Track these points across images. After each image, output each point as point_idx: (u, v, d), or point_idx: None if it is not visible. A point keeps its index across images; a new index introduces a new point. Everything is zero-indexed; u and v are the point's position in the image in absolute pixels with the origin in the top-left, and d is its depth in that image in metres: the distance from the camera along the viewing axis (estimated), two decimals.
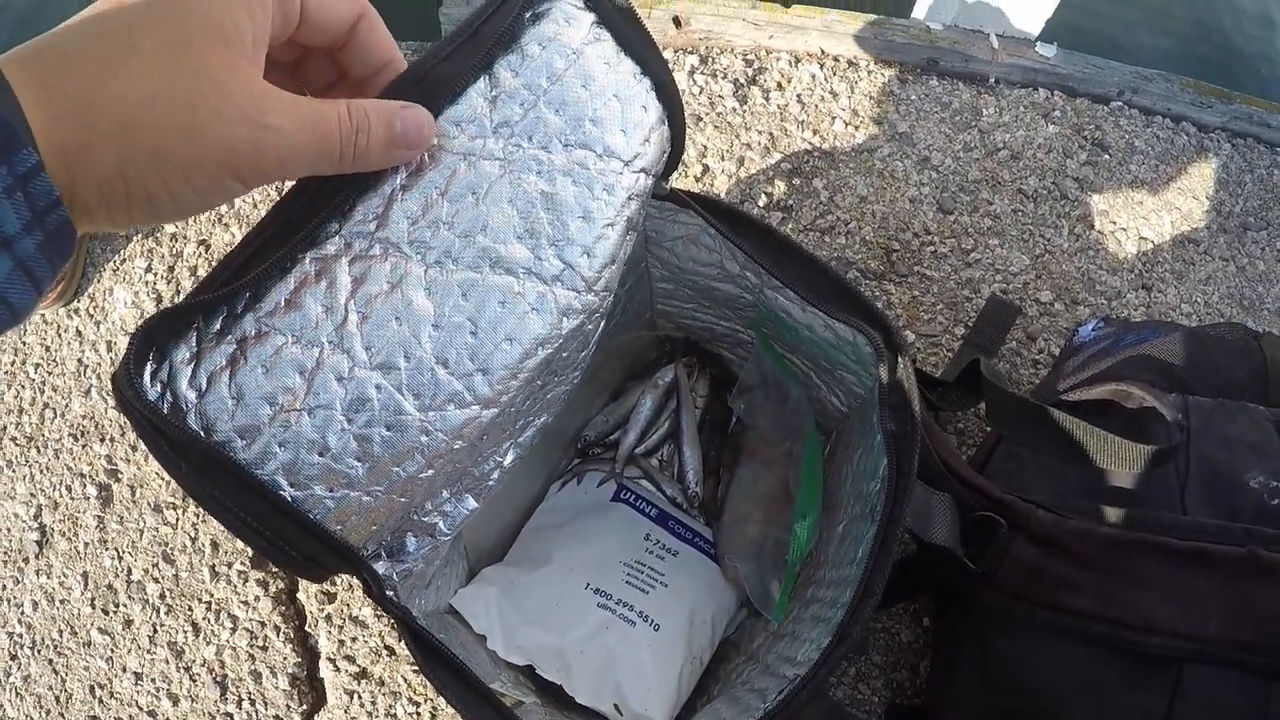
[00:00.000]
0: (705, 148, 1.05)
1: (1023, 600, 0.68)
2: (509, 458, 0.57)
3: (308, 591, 0.89)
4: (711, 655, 0.77)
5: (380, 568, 0.49)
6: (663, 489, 0.87)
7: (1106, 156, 1.15)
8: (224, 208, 1.08)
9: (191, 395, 0.39)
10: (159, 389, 0.38)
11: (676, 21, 1.12)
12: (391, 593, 0.50)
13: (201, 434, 0.39)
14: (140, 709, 0.88)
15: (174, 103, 0.32)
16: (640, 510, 0.84)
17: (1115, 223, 1.11)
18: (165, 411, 0.38)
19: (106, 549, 0.94)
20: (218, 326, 0.40)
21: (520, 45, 0.45)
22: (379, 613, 0.87)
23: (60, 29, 0.33)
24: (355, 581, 0.80)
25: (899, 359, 0.59)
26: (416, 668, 0.80)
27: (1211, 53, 1.83)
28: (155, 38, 0.33)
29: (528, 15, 0.46)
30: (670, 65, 1.10)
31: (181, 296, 0.98)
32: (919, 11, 1.24)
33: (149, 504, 0.95)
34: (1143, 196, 1.15)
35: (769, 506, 0.80)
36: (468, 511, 0.56)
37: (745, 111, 1.08)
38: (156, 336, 0.38)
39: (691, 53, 1.13)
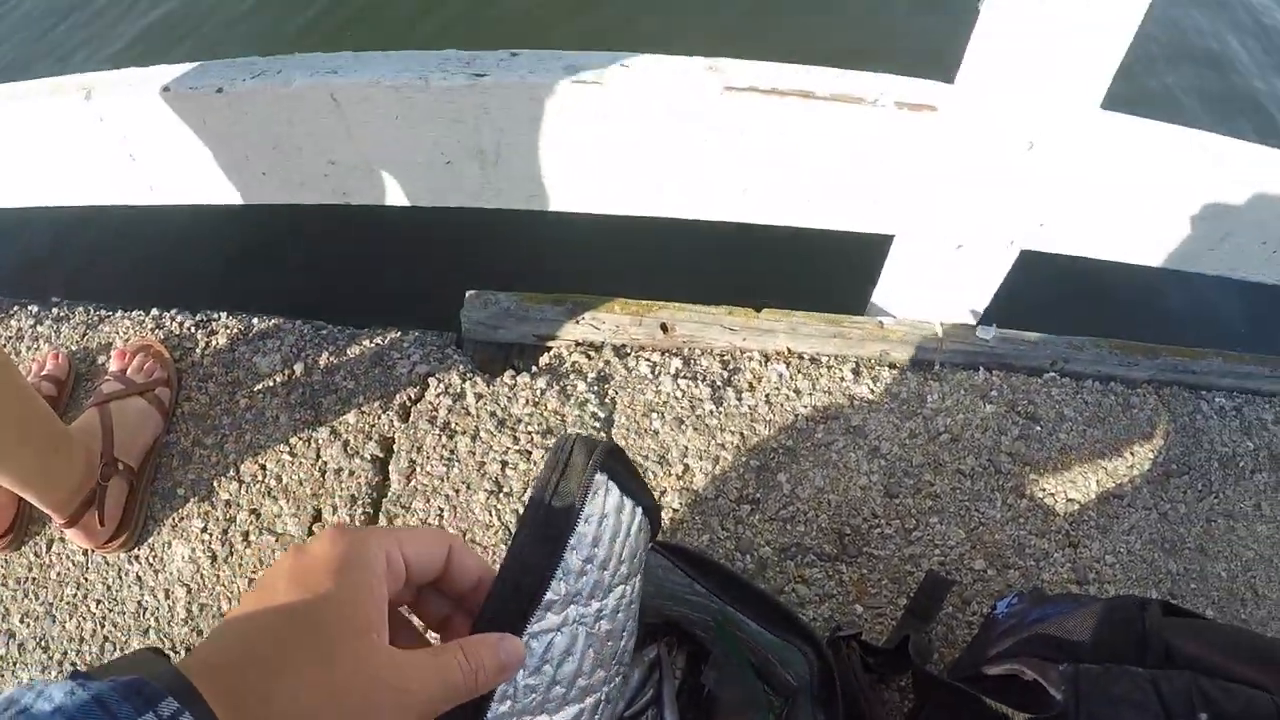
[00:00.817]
0: (686, 449, 1.26)
1: None
2: None
3: None
4: None
5: None
6: None
7: (1038, 428, 1.34)
8: (271, 480, 1.29)
9: None
10: None
11: (664, 327, 1.33)
12: None
13: None
14: None
15: (334, 700, 0.38)
16: None
17: (1045, 489, 1.30)
18: None
19: None
20: None
21: (578, 526, 0.59)
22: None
23: (219, 642, 0.39)
24: None
25: (826, 667, 0.77)
26: None
27: (1146, 312, 2.03)
28: (308, 644, 0.39)
29: (577, 503, 0.59)
30: (658, 367, 1.33)
31: (233, 556, 1.17)
32: (872, 306, 1.44)
33: None
34: (1070, 461, 1.33)
35: None
36: None
37: (721, 414, 1.29)
38: None
39: (676, 355, 1.35)
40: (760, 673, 1.02)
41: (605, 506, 0.65)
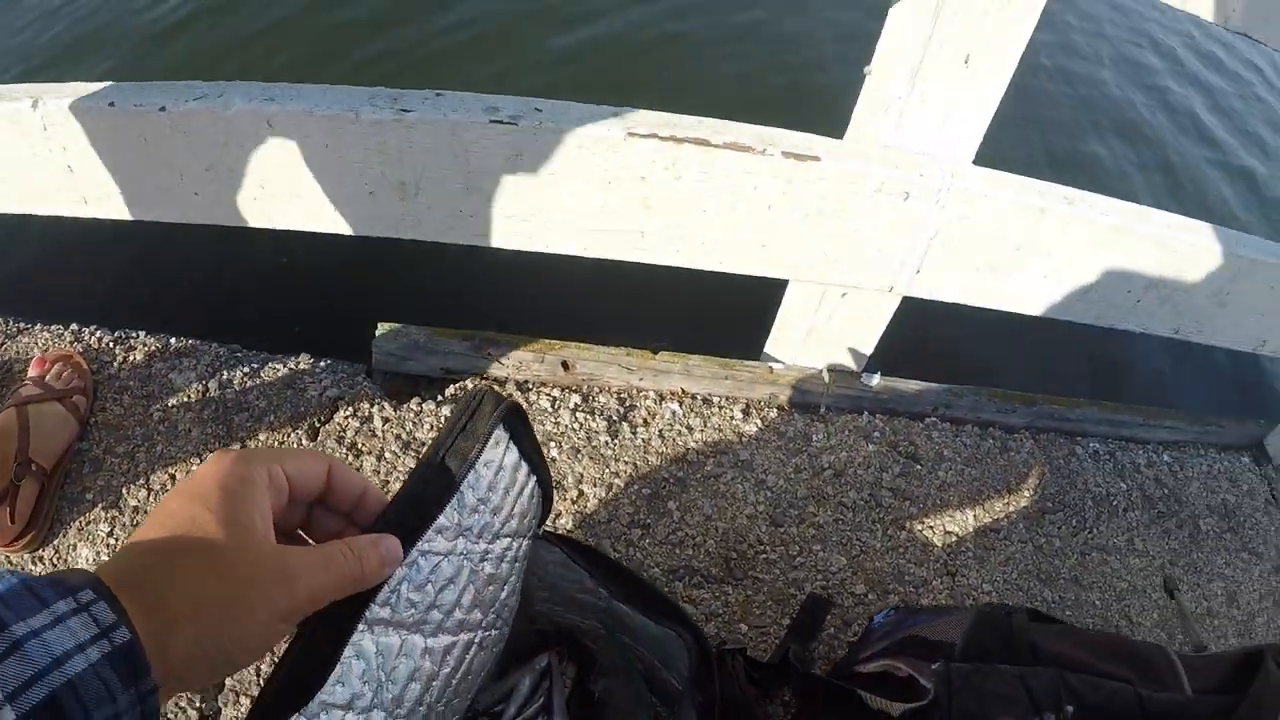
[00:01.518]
0: (581, 475, 1.32)
1: None
2: None
3: None
4: None
5: None
6: None
7: (918, 466, 1.43)
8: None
9: None
10: None
11: (564, 365, 1.41)
12: None
13: None
14: None
15: (223, 585, 0.42)
16: None
17: (924, 522, 1.37)
18: None
19: None
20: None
21: (475, 468, 0.65)
22: None
23: (119, 560, 0.42)
24: None
25: (703, 652, 0.81)
26: None
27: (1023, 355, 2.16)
28: (199, 545, 0.43)
29: (479, 447, 0.65)
30: (558, 402, 1.40)
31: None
32: (765, 352, 1.53)
33: None
34: (949, 496, 1.41)
35: None
36: None
37: (616, 445, 1.36)
38: None
39: (575, 391, 1.43)
40: (647, 679, 1.07)
41: (504, 460, 0.72)
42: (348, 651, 0.56)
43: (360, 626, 0.56)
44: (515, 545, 0.73)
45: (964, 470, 1.45)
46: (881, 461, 1.42)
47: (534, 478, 0.75)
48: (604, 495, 1.30)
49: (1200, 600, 1.45)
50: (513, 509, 0.72)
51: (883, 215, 1.23)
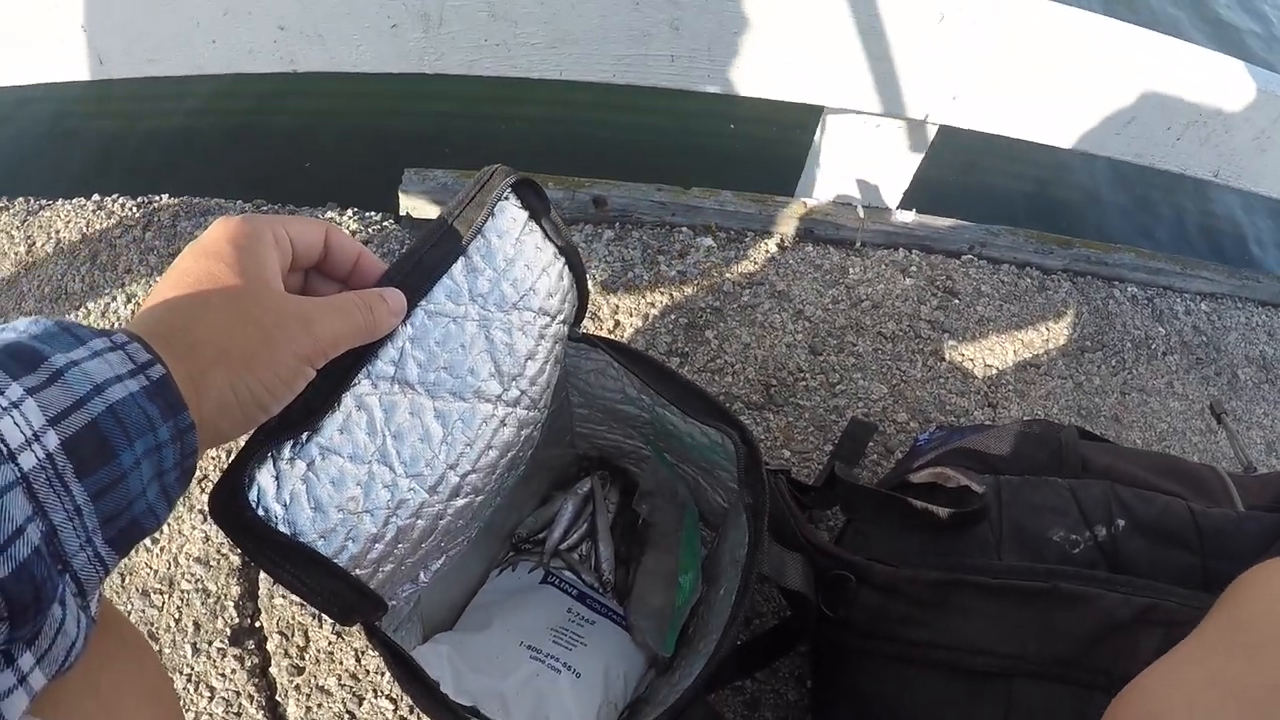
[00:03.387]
0: (617, 306, 1.30)
1: (872, 638, 0.83)
2: (474, 530, 0.78)
3: (279, 666, 1.01)
4: (626, 705, 0.93)
5: None
6: (582, 577, 1.03)
7: (956, 301, 1.40)
8: None
9: (279, 509, 0.52)
10: (255, 507, 0.51)
11: (596, 202, 1.38)
12: (377, 623, 0.67)
13: (293, 538, 0.52)
14: None
15: (248, 330, 0.43)
16: (564, 590, 1.01)
17: (963, 355, 1.35)
18: (265, 526, 0.51)
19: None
20: (288, 454, 0.52)
21: (484, 235, 0.65)
22: (342, 682, 1.00)
23: (143, 316, 0.43)
24: (322, 655, 1.01)
25: (751, 450, 0.78)
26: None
27: (1057, 202, 2.12)
28: (221, 294, 0.44)
29: (486, 213, 0.65)
30: (591, 237, 1.37)
31: None
32: (799, 189, 1.50)
33: (137, 589, 1.06)
34: (988, 331, 1.39)
35: (667, 582, 0.99)
36: (439, 565, 0.75)
37: (650, 277, 1.34)
38: (247, 467, 0.50)
39: (609, 227, 1.40)
40: (694, 498, 1.05)
41: (521, 234, 0.70)
42: (350, 402, 0.56)
43: (364, 379, 0.56)
44: (542, 322, 0.71)
45: (1002, 306, 1.42)
46: (919, 295, 1.39)
47: (562, 260, 0.74)
48: (641, 325, 1.28)
49: (1236, 453, 1.43)
50: (535, 284, 0.70)
51: (918, 36, 1.20)
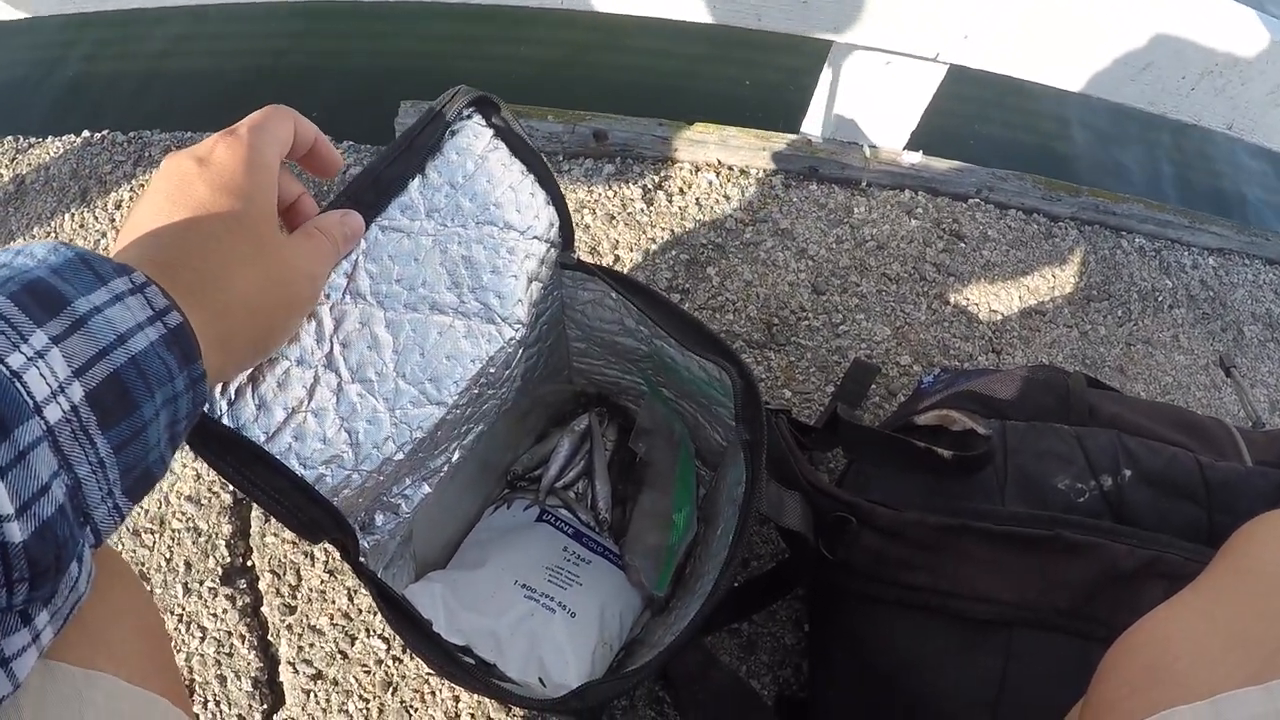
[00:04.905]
0: (617, 241, 1.27)
1: (873, 581, 0.81)
2: (456, 455, 0.76)
3: (271, 605, 0.99)
4: (622, 645, 0.91)
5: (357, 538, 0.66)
6: (578, 515, 1.01)
7: (962, 244, 1.37)
8: None
9: (224, 404, 0.53)
10: None
11: (596, 136, 1.34)
12: (363, 559, 0.67)
13: (236, 431, 0.53)
14: None
15: (275, 294, 0.46)
16: (559, 529, 0.99)
17: (968, 299, 1.33)
18: (207, 418, 0.51)
19: None
20: None
21: (443, 152, 0.66)
22: (334, 621, 0.98)
23: (158, 243, 0.42)
24: (314, 594, 0.98)
25: (749, 386, 0.76)
26: (366, 668, 0.97)
27: (1065, 151, 2.08)
28: (247, 247, 0.44)
29: (448, 131, 0.66)
30: (591, 171, 1.34)
31: None
32: (804, 127, 1.47)
33: (128, 529, 1.05)
34: (994, 276, 1.36)
35: (663, 521, 0.97)
36: (423, 496, 0.74)
37: (651, 212, 1.30)
38: None
39: (609, 161, 1.36)
40: (692, 437, 1.03)
41: (485, 150, 0.69)
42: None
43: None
44: (511, 237, 0.71)
45: (1008, 252, 1.39)
46: (925, 237, 1.36)
47: (531, 175, 0.72)
48: (640, 260, 1.25)
49: (1241, 408, 1.41)
50: (499, 198, 0.69)
51: None
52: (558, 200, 0.75)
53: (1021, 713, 0.75)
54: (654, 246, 1.26)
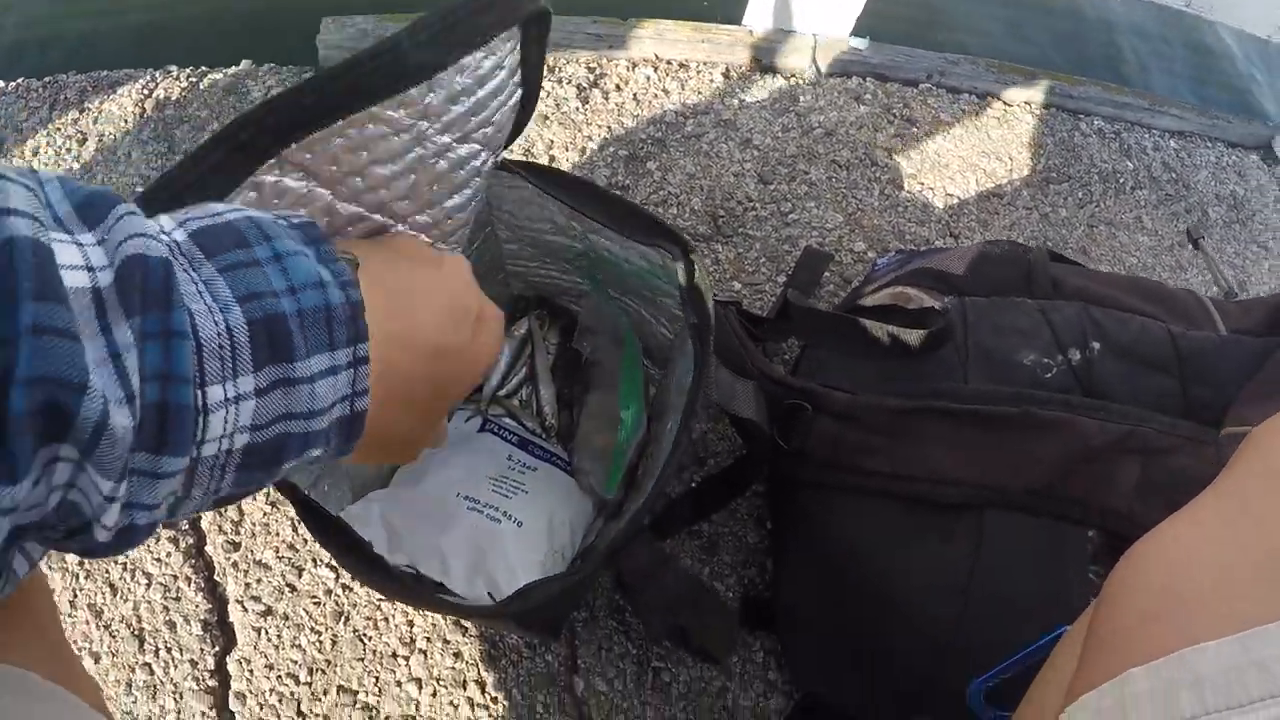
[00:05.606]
0: (552, 141, 1.21)
1: (830, 469, 0.77)
2: None
3: (214, 544, 0.96)
4: (575, 554, 0.87)
5: None
6: (523, 423, 0.97)
7: (914, 129, 1.33)
8: None
9: None
10: None
11: None
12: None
13: None
14: None
15: (439, 287, 0.45)
16: (503, 438, 0.94)
17: (923, 184, 1.28)
18: None
19: None
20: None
21: (477, 51, 0.51)
22: (280, 555, 0.94)
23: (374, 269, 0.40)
24: (258, 528, 0.94)
25: (694, 266, 0.71)
26: (316, 600, 0.93)
27: (1027, 37, 2.02)
28: (415, 257, 0.47)
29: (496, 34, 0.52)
30: None
31: None
32: (745, 18, 1.41)
33: None
34: (948, 160, 1.32)
35: (611, 422, 0.94)
36: None
37: (587, 110, 1.25)
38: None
39: None
40: (637, 332, 0.98)
41: (507, 59, 0.59)
42: (248, 184, 0.47)
43: (274, 167, 0.47)
44: (481, 155, 0.62)
45: (962, 136, 1.35)
46: (875, 122, 1.31)
47: (520, 91, 0.64)
48: (578, 159, 1.20)
49: (1209, 286, 1.37)
50: (493, 116, 0.58)
51: None
52: (531, 96, 0.67)
53: (994, 599, 0.72)
54: (591, 145, 1.21)
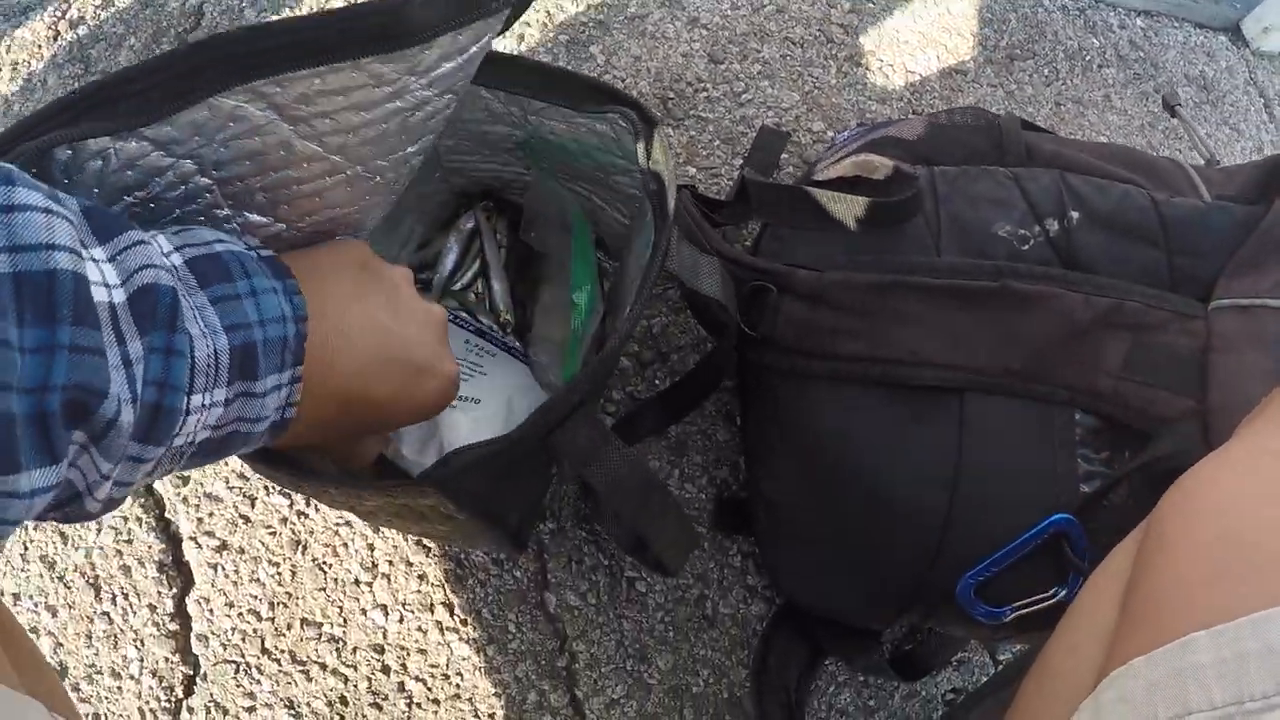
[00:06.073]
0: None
1: (800, 354, 0.72)
2: None
3: (164, 481, 0.91)
4: None
5: None
6: (479, 319, 0.92)
7: (870, 4, 1.26)
8: None
9: (64, 182, 0.40)
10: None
11: None
12: None
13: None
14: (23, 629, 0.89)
15: (396, 318, 0.49)
16: (460, 325, 0.90)
17: (882, 60, 1.22)
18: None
19: None
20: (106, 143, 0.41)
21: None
22: (230, 485, 0.90)
23: (307, 273, 0.44)
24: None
25: (653, 131, 0.65)
26: (271, 529, 0.87)
27: None
28: (373, 286, 0.48)
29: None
30: None
31: None
32: None
33: None
34: (908, 36, 1.25)
35: (564, 315, 0.89)
36: None
37: None
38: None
39: None
40: (593, 224, 0.92)
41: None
42: (203, 105, 0.41)
43: (241, 92, 0.42)
44: (448, 99, 0.53)
45: (921, 11, 1.29)
46: None
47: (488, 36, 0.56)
48: (516, 47, 1.13)
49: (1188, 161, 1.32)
50: (476, 63, 0.52)
51: None
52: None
53: (984, 489, 0.68)
54: (529, 30, 1.14)
